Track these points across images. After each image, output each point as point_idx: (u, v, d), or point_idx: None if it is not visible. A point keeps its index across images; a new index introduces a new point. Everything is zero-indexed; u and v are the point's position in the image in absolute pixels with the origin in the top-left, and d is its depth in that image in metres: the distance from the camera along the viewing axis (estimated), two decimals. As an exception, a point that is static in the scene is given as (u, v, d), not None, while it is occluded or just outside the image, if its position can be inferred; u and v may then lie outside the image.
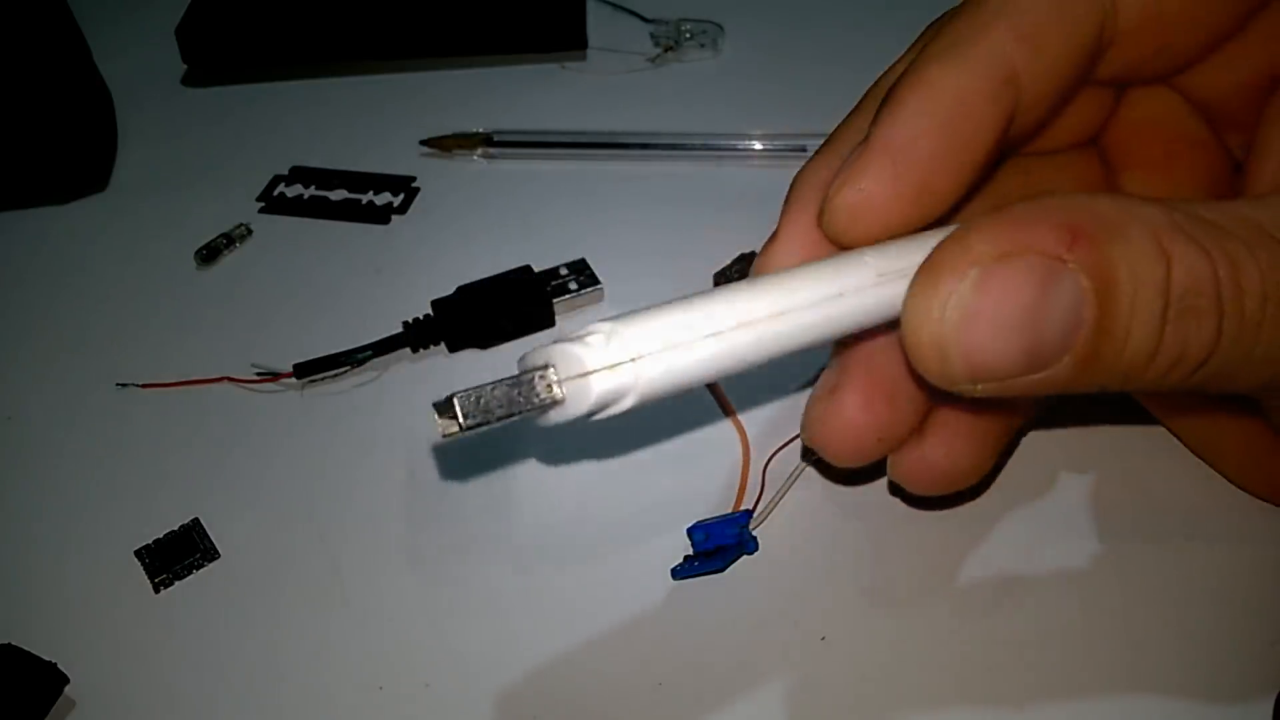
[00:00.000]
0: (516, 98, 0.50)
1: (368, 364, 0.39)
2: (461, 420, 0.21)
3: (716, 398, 0.36)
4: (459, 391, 0.21)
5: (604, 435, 0.36)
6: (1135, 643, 0.30)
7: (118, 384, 0.39)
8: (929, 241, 0.22)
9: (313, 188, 0.47)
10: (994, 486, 0.33)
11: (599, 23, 0.53)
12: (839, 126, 0.29)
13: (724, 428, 0.36)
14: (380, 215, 0.45)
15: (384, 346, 0.39)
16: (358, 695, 0.30)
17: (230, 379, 0.39)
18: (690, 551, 0.32)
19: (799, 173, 0.29)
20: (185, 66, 0.52)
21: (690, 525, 0.32)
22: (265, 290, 0.42)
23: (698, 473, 0.35)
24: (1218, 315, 0.21)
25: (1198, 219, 0.21)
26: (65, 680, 0.30)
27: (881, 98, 0.26)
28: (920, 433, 0.29)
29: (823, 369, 0.30)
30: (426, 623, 0.32)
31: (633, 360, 0.21)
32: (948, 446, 0.29)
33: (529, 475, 0.35)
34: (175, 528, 0.34)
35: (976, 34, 0.25)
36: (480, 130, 0.47)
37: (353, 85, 0.52)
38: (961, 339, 0.21)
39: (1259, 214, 0.21)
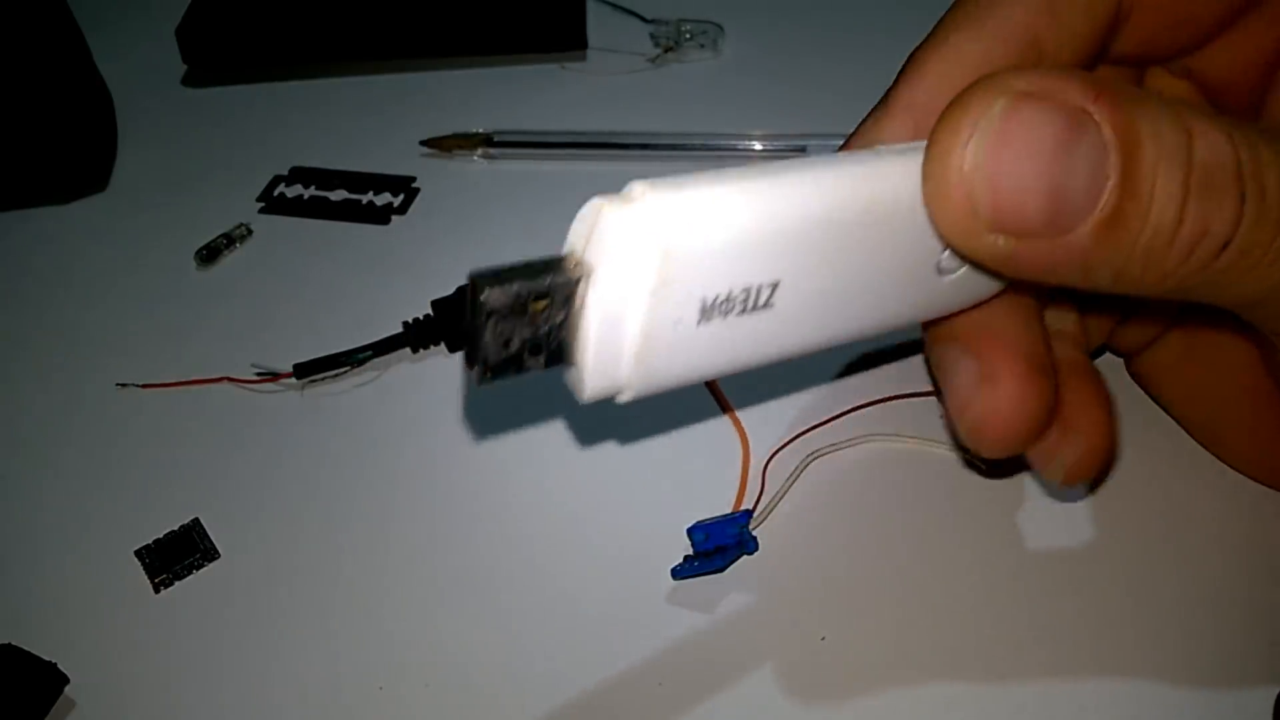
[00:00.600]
0: (516, 98, 0.50)
1: (368, 364, 0.39)
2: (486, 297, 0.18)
3: (716, 397, 0.36)
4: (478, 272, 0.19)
5: (605, 434, 0.36)
6: (1135, 642, 0.30)
7: (118, 384, 0.39)
8: None
9: (313, 188, 0.47)
10: (993, 484, 0.33)
11: (599, 23, 0.53)
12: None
13: (724, 427, 0.36)
14: (380, 215, 0.45)
15: (384, 347, 0.39)
16: (358, 695, 0.30)
17: (230, 379, 0.39)
18: (690, 551, 0.32)
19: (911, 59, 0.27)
20: (185, 66, 0.52)
21: (690, 525, 0.32)
22: (265, 290, 0.42)
23: (697, 473, 0.35)
24: (1239, 193, 0.20)
25: (1216, 113, 0.21)
26: (65, 680, 0.30)
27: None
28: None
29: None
30: (426, 623, 0.32)
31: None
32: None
33: (529, 475, 0.35)
34: (175, 528, 0.34)
35: (998, 3, 0.24)
36: (480, 130, 0.47)
37: (353, 85, 0.52)
38: (988, 170, 0.20)
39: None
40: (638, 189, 0.20)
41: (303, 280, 0.43)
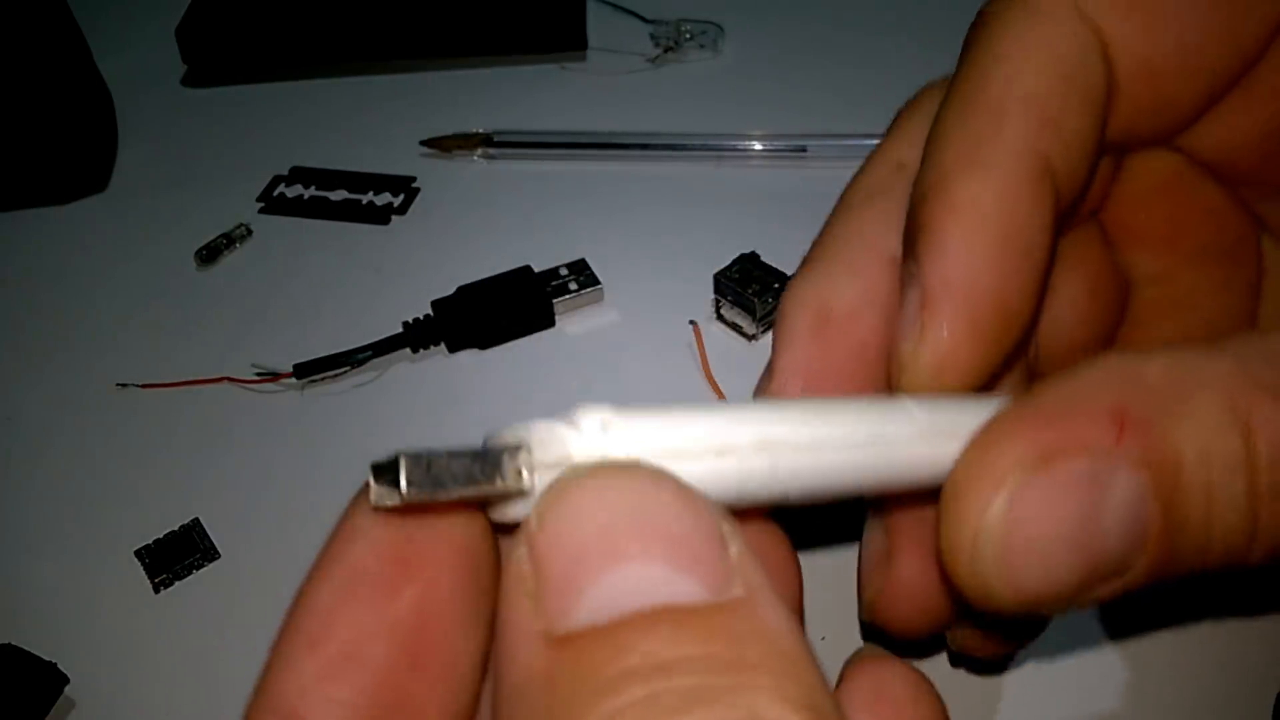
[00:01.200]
0: (516, 98, 0.50)
1: (368, 364, 0.39)
2: (404, 489, 0.16)
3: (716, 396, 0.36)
4: (408, 451, 0.16)
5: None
6: (1135, 642, 0.30)
7: (118, 384, 0.39)
8: (980, 400, 0.20)
9: (313, 188, 0.47)
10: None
11: (599, 23, 0.53)
12: (822, 236, 0.25)
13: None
14: (380, 215, 0.45)
15: (384, 347, 0.39)
16: (358, 695, 0.30)
17: (230, 379, 0.39)
18: (690, 552, 0.32)
19: (787, 294, 0.24)
20: (185, 66, 0.52)
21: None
22: (265, 290, 0.42)
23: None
24: None
25: None
26: (65, 680, 0.30)
27: (843, 209, 0.23)
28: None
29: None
30: (426, 623, 0.32)
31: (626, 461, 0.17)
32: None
33: (529, 475, 0.35)
34: (175, 528, 0.34)
35: (994, 126, 0.21)
36: (480, 130, 0.47)
37: (353, 85, 0.52)
38: (1002, 569, 0.18)
39: None
40: (592, 438, 0.17)
41: (303, 280, 0.43)
